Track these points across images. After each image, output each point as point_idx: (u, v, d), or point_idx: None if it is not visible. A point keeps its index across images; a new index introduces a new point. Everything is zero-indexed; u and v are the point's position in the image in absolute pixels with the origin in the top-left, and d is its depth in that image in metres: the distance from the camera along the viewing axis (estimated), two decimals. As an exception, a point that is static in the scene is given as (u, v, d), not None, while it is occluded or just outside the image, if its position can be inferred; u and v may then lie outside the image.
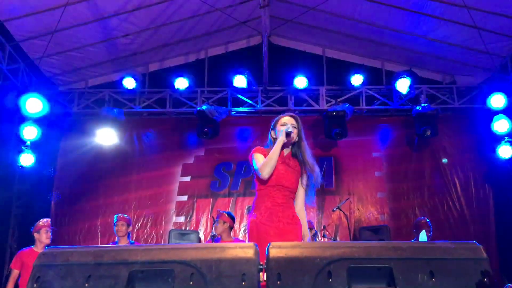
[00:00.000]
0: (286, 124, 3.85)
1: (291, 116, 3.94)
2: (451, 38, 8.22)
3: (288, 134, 3.72)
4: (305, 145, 3.89)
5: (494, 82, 8.55)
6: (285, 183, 3.73)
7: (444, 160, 8.84)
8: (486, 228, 8.48)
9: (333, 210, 7.93)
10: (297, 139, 3.85)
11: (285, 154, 3.85)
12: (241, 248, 2.21)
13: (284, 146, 3.77)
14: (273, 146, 3.76)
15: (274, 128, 3.93)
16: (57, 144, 8.96)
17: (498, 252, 8.25)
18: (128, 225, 6.46)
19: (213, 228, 6.59)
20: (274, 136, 3.88)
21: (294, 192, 3.80)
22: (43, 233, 6.02)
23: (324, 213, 8.57)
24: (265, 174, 3.64)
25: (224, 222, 6.49)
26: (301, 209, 3.82)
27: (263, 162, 3.67)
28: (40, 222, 6.10)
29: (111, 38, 8.30)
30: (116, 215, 6.61)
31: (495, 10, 7.35)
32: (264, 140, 8.84)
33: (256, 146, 3.94)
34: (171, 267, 2.09)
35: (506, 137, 8.15)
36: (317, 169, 3.85)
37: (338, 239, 8.21)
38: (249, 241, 3.70)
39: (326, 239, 7.61)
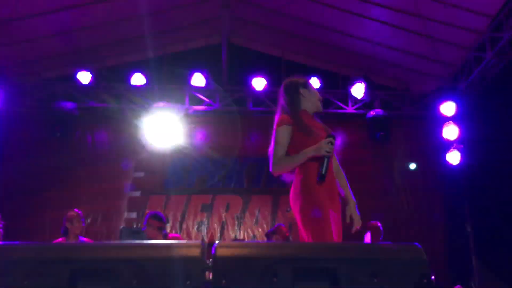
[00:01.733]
0: (318, 93, 3.51)
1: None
2: (406, 46, 8.45)
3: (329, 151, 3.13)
4: None
5: (445, 90, 8.83)
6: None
7: (412, 165, 9.02)
8: (434, 231, 8.73)
9: (287, 211, 7.99)
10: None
11: (317, 120, 3.48)
12: (187, 247, 2.21)
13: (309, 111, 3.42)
14: (300, 108, 3.38)
15: (306, 87, 3.47)
16: (8, 137, 8.69)
17: (445, 254, 8.52)
18: (81, 222, 6.28)
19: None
20: (305, 95, 3.42)
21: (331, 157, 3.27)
22: (75, 223, 5.98)
23: (278, 212, 8.64)
24: (275, 171, 3.23)
25: (150, 225, 6.32)
26: (339, 172, 3.46)
27: (284, 160, 3.20)
28: (72, 212, 6.08)
29: (66, 31, 8.13)
30: (69, 211, 6.38)
31: (448, 21, 7.60)
32: (222, 138, 8.96)
33: (279, 115, 3.38)
34: (115, 265, 2.06)
35: (454, 144, 8.43)
36: None
37: (291, 239, 8.29)
38: (299, 202, 3.15)
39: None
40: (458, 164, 8.45)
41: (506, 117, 7.67)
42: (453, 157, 8.43)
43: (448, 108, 8.48)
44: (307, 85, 3.48)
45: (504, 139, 7.67)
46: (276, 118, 3.39)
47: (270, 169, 3.24)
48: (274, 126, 3.34)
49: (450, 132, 8.47)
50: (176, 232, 8.33)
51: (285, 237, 6.97)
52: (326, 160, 3.09)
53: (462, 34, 7.81)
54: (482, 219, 8.36)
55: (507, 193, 7.64)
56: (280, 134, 3.25)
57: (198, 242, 2.20)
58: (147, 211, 7.58)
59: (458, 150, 8.43)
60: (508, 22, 7.15)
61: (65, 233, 6.07)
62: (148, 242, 2.43)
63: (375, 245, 2.28)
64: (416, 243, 2.28)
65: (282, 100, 3.46)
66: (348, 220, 3.24)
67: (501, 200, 7.69)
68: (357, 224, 3.29)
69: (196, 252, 2.15)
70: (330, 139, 3.14)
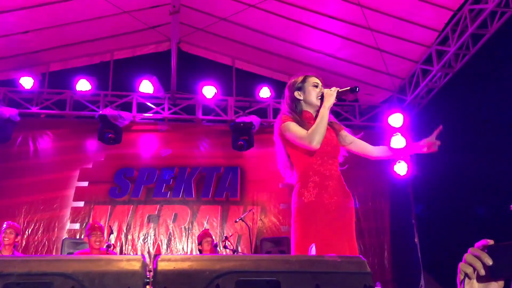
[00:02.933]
0: (318, 84, 3.34)
1: (316, 76, 3.41)
2: (356, 58, 8.55)
3: (338, 95, 3.19)
4: None
5: (393, 102, 9.01)
6: (327, 149, 3.19)
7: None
8: (382, 241, 8.83)
9: (236, 221, 7.90)
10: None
11: (315, 117, 3.29)
12: (127, 260, 2.08)
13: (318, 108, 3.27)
14: (300, 111, 3.30)
15: (300, 89, 3.33)
16: None
17: (392, 264, 8.61)
18: (17, 234, 6.01)
19: (109, 237, 6.34)
20: (301, 98, 3.31)
21: (337, 157, 3.28)
22: (3, 234, 5.76)
23: (227, 223, 8.53)
24: (316, 143, 3.03)
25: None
26: (373, 148, 3.62)
27: (312, 129, 3.07)
28: (4, 224, 5.86)
29: (9, 34, 7.81)
30: (5, 222, 6.13)
31: (396, 34, 7.75)
32: (170, 147, 8.80)
33: (281, 116, 3.34)
34: (50, 279, 1.91)
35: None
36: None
37: (239, 250, 8.19)
38: (298, 226, 3.08)
39: (227, 250, 7.55)
40: (405, 175, 8.59)
41: (451, 128, 7.85)
42: (400, 168, 8.56)
43: (395, 119, 8.63)
44: (303, 87, 3.33)
45: (450, 150, 7.84)
46: (278, 119, 3.35)
47: (310, 147, 3.07)
48: (278, 126, 3.28)
49: (398, 143, 8.59)
50: (120, 243, 8.08)
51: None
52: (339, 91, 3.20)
53: (410, 47, 8.00)
54: (429, 230, 8.52)
55: (452, 204, 7.81)
56: (290, 126, 3.18)
57: (139, 256, 2.07)
58: (91, 222, 7.30)
59: (405, 161, 8.57)
60: (454, 37, 7.35)
61: None
62: (87, 256, 2.28)
63: (319, 257, 2.21)
64: (361, 256, 2.24)
65: (284, 105, 3.42)
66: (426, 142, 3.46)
67: (446, 211, 7.85)
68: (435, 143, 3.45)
69: (137, 266, 2.03)
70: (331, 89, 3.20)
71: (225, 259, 2.14)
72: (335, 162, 3.23)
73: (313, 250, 3.03)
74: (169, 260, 2.05)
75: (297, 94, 3.33)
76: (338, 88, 3.20)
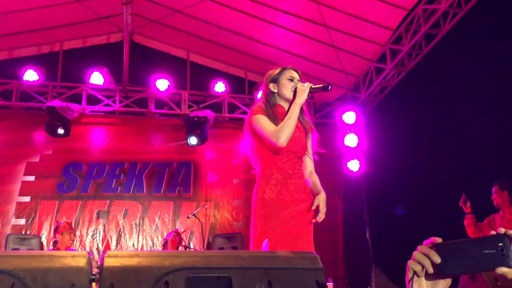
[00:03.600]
0: (293, 78, 3.24)
1: (293, 68, 3.32)
2: (311, 55, 8.55)
3: (310, 92, 3.12)
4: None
5: (348, 99, 9.09)
6: (295, 148, 3.13)
7: None
8: (334, 237, 8.89)
9: (188, 217, 7.79)
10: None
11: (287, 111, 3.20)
12: (72, 256, 1.96)
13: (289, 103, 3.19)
14: (274, 104, 3.21)
15: (275, 82, 3.25)
16: None
17: (344, 260, 8.69)
18: None
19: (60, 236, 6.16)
20: (275, 91, 3.23)
21: (302, 157, 3.23)
22: None
23: (179, 219, 8.39)
24: (283, 141, 2.98)
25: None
26: (311, 173, 3.33)
27: (281, 126, 3.00)
28: None
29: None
30: None
31: (352, 32, 7.80)
32: (121, 141, 8.59)
33: (254, 108, 3.25)
34: (-11, 277, 1.77)
35: (355, 152, 8.66)
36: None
37: (192, 246, 8.09)
38: (256, 222, 3.05)
39: (180, 247, 7.44)
40: (358, 171, 8.69)
41: (402, 126, 8.00)
42: (353, 165, 8.66)
43: (349, 117, 8.72)
44: (278, 79, 3.25)
45: (401, 147, 7.98)
46: (250, 110, 3.29)
47: (276, 144, 3.01)
48: (249, 117, 3.21)
49: (351, 140, 8.69)
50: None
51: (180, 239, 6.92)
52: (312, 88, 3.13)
53: (365, 45, 8.07)
54: (379, 225, 8.65)
55: (403, 200, 7.95)
56: (260, 119, 3.12)
57: (85, 252, 1.96)
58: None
59: (358, 157, 8.67)
60: (408, 36, 7.46)
61: None
62: (29, 252, 2.15)
63: (271, 253, 2.16)
64: (313, 251, 2.21)
65: (261, 95, 3.36)
66: (313, 207, 3.08)
67: (396, 206, 7.99)
68: (321, 216, 3.10)
69: (82, 262, 1.91)
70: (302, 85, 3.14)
71: (175, 255, 2.06)
72: (299, 161, 3.19)
73: (265, 246, 2.99)
74: (116, 256, 1.95)
75: (271, 86, 3.26)
76: (312, 84, 3.14)
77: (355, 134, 8.71)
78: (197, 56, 9.36)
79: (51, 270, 1.86)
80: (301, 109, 3.19)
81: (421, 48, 7.51)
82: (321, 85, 3.12)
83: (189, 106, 8.93)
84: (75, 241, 7.73)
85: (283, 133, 2.99)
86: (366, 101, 8.92)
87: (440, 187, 7.40)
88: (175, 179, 8.67)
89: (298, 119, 3.16)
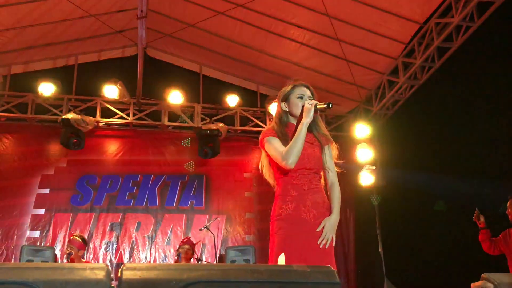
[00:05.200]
0: (303, 96, 3.20)
1: (305, 85, 3.27)
2: (323, 68, 8.58)
3: (316, 111, 3.07)
4: (319, 116, 3.27)
5: (360, 112, 9.08)
6: (308, 165, 3.10)
7: None
8: (347, 250, 8.87)
9: (201, 230, 7.81)
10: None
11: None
12: (91, 269, 2.00)
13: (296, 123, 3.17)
14: (285, 123, 3.20)
15: (286, 100, 3.23)
16: None
17: (356, 273, 8.65)
18: None
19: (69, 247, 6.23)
20: (286, 109, 3.22)
21: (319, 172, 3.19)
22: None
23: (192, 231, 8.42)
24: (291, 162, 2.99)
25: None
26: (332, 186, 3.21)
27: (288, 148, 3.01)
28: None
29: (-33, 34, 7.56)
30: None
31: (364, 46, 7.82)
32: (134, 154, 8.66)
33: (265, 129, 3.26)
34: (11, 289, 1.81)
35: (367, 165, 8.63)
36: (331, 138, 3.30)
37: (204, 259, 8.09)
38: (274, 239, 3.05)
39: (192, 259, 7.46)
40: (371, 184, 8.65)
41: (415, 139, 7.98)
42: (366, 178, 8.63)
43: (361, 130, 8.70)
44: (289, 97, 3.24)
45: (414, 161, 7.95)
46: (262, 131, 3.29)
47: (285, 166, 3.03)
48: (260, 139, 3.23)
49: (363, 153, 8.67)
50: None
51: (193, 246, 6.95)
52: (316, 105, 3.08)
53: (377, 58, 8.08)
54: (392, 238, 8.59)
55: (415, 214, 7.90)
56: (270, 141, 3.15)
57: (104, 264, 1.99)
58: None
59: (370, 171, 8.64)
60: (420, 49, 7.47)
61: None
62: (49, 264, 2.19)
63: (287, 267, 2.18)
64: (329, 266, 2.21)
65: (275, 114, 3.36)
66: (318, 229, 3.01)
67: (410, 220, 7.94)
68: (325, 238, 3.00)
69: (101, 275, 1.95)
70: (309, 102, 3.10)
71: (192, 268, 2.07)
72: (316, 177, 3.16)
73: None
74: (134, 269, 1.98)
75: (283, 105, 3.25)
76: (317, 102, 3.10)
77: (367, 147, 8.69)
78: (210, 69, 9.44)
79: (70, 282, 1.89)
80: (315, 123, 3.20)
81: (434, 62, 7.51)
82: (325, 103, 3.10)
83: (202, 119, 8.98)
84: (88, 253, 7.78)
85: (290, 155, 2.99)
86: (378, 114, 8.91)
87: (454, 201, 7.36)
88: (187, 192, 8.71)
89: (312, 133, 3.19)
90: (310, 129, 3.16)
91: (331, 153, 3.27)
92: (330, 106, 3.09)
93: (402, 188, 8.11)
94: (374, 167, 8.67)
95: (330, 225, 3.04)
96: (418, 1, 6.89)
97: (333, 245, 3.07)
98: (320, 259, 2.93)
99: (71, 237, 6.43)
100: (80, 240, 6.38)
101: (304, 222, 3.00)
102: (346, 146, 9.04)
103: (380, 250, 8.84)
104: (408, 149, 7.93)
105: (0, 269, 1.93)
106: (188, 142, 9.03)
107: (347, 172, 8.80)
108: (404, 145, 8.09)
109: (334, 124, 9.42)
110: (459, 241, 7.05)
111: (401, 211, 8.26)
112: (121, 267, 1.97)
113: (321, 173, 3.23)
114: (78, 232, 6.61)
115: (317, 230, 3.00)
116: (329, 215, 3.09)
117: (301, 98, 3.19)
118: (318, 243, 2.98)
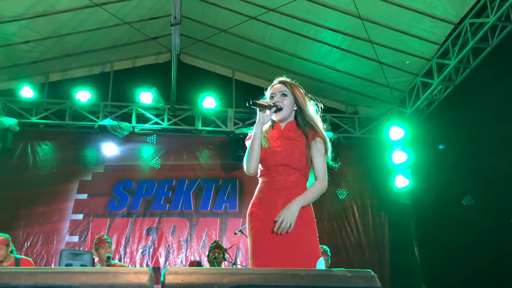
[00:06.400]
0: (274, 94, 3.08)
1: (280, 81, 3.16)
2: (355, 70, 8.54)
3: (262, 110, 2.94)
4: (307, 110, 3.06)
5: (394, 114, 9.00)
6: (284, 161, 2.93)
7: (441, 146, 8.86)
8: (381, 254, 8.79)
9: (235, 233, 7.83)
10: (294, 107, 3.07)
11: (282, 127, 3.06)
12: (135, 273, 2.05)
13: (281, 119, 3.05)
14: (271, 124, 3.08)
15: (261, 97, 3.16)
16: None
17: (391, 278, 8.55)
18: (7, 245, 5.78)
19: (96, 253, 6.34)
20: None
21: (302, 170, 2.96)
22: None
23: (226, 235, 8.48)
24: (248, 169, 2.93)
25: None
26: (317, 180, 2.99)
27: (246, 154, 2.96)
28: None
29: (9, 44, 7.82)
30: None
31: (396, 47, 7.75)
32: (169, 159, 8.78)
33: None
34: (58, 292, 1.87)
35: (402, 167, 8.54)
36: (322, 134, 3.02)
37: (238, 263, 8.14)
38: (248, 236, 2.98)
39: (227, 263, 7.51)
40: (405, 187, 8.55)
41: (450, 141, 7.86)
42: (401, 181, 8.53)
43: (395, 132, 8.61)
44: (268, 98, 3.13)
45: (449, 163, 7.83)
46: None
47: (248, 173, 2.96)
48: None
49: (398, 155, 8.58)
50: (119, 256, 8.03)
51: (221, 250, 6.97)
52: (269, 106, 2.95)
53: (410, 59, 7.98)
54: (428, 242, 8.47)
55: (451, 217, 7.78)
56: (246, 143, 3.07)
57: (147, 268, 2.04)
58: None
59: (405, 173, 8.54)
60: (455, 50, 7.35)
61: None
62: (95, 268, 2.25)
63: (329, 271, 2.18)
64: (370, 270, 2.21)
65: None
66: (277, 218, 2.79)
67: (447, 224, 7.82)
68: (279, 227, 2.78)
69: (144, 279, 2.00)
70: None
71: (234, 273, 2.10)
72: (293, 173, 2.94)
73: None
74: (176, 273, 2.02)
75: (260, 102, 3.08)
76: (258, 101, 2.98)
77: (401, 149, 8.59)
78: (242, 74, 9.53)
79: (115, 286, 1.95)
80: (303, 117, 3.04)
81: (469, 62, 7.38)
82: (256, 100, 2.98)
83: (235, 124, 9.05)
84: (125, 257, 7.92)
85: (244, 162, 2.97)
86: (412, 116, 8.79)
87: (492, 204, 7.22)
88: (221, 196, 8.77)
89: (300, 128, 3.02)
90: (298, 125, 3.04)
91: (318, 147, 2.99)
92: (247, 103, 2.94)
93: (438, 190, 8.00)
94: (409, 170, 8.56)
95: (287, 212, 2.80)
96: (452, 1, 6.79)
97: (304, 241, 2.89)
98: (294, 261, 2.78)
99: (104, 238, 6.43)
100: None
101: (270, 221, 2.84)
102: (379, 148, 8.99)
103: (416, 253, 8.73)
104: (444, 151, 7.82)
105: (47, 273, 2.00)
106: (221, 146, 9.11)
107: (381, 175, 8.80)
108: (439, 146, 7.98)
109: (367, 127, 9.35)
110: (499, 245, 6.90)
111: (437, 214, 8.15)
112: (164, 271, 2.02)
113: (306, 169, 3.00)
114: (102, 235, 6.65)
115: (274, 219, 2.80)
116: (304, 215, 2.91)
117: (272, 98, 3.09)
118: (274, 230, 2.78)
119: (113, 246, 7.86)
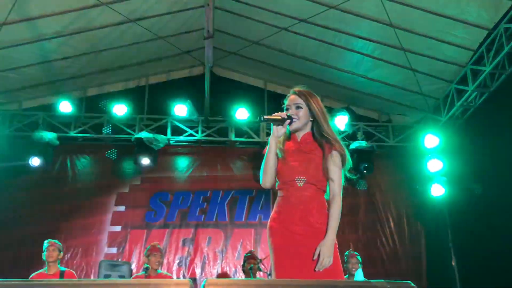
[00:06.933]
0: (290, 106, 3.03)
1: (295, 92, 3.09)
2: (388, 78, 8.49)
3: (276, 125, 2.93)
4: (322, 121, 3.00)
5: (428, 122, 8.89)
6: (300, 175, 2.90)
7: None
8: (418, 265, 8.67)
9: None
10: (310, 118, 3.02)
11: (299, 138, 3.03)
12: (176, 285, 2.12)
13: (296, 130, 3.02)
14: (287, 135, 3.05)
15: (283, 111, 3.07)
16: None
17: (430, 288, 8.43)
18: (60, 251, 6.10)
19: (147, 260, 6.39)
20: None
21: (318, 183, 2.92)
22: (46, 252, 5.91)
23: (260, 246, 8.50)
24: (264, 183, 2.98)
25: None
26: (332, 200, 2.92)
27: (261, 168, 2.99)
28: (46, 242, 6.01)
29: (48, 61, 8.08)
30: (46, 240, 6.18)
31: (429, 54, 7.69)
32: (203, 170, 8.87)
33: None
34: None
35: (438, 176, 8.42)
36: (339, 146, 2.96)
37: (273, 274, 8.12)
38: (270, 249, 2.97)
39: (262, 273, 7.52)
40: (441, 196, 8.42)
41: (487, 149, 7.71)
42: (437, 189, 8.41)
43: (430, 140, 8.50)
44: (284, 109, 3.08)
45: (486, 171, 7.68)
46: None
47: (264, 187, 3.03)
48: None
49: (433, 164, 8.46)
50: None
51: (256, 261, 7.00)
52: (281, 119, 2.92)
53: (444, 67, 7.90)
54: (466, 252, 8.30)
55: (489, 226, 7.61)
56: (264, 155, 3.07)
57: (187, 280, 2.11)
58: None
59: (441, 182, 8.41)
60: (489, 56, 7.24)
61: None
62: (137, 280, 2.33)
63: (368, 282, 2.19)
64: (409, 281, 2.20)
65: None
66: (315, 257, 2.77)
67: (485, 233, 7.65)
68: (321, 265, 2.75)
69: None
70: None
71: (272, 284, 2.14)
72: (309, 188, 2.92)
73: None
74: (216, 284, 2.07)
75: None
76: (269, 116, 2.95)
77: (437, 157, 8.47)
78: (274, 85, 9.58)
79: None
80: (319, 130, 3.01)
81: (505, 68, 7.24)
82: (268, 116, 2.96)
83: (267, 134, 9.08)
84: (162, 269, 8.01)
85: (260, 176, 3.00)
86: (447, 124, 8.67)
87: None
88: (255, 207, 8.82)
89: (316, 141, 2.99)
90: (314, 138, 3.02)
91: (334, 161, 2.95)
92: (259, 119, 2.96)
93: (475, 199, 7.85)
94: (444, 178, 8.43)
95: (326, 250, 2.77)
96: (486, 7, 6.70)
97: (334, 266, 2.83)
98: (318, 276, 2.76)
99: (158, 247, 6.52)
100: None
101: (291, 236, 2.85)
102: (414, 157, 8.88)
103: (453, 264, 8.57)
104: (481, 159, 7.67)
105: (91, 285, 2.08)
106: (254, 157, 9.17)
107: (416, 184, 8.68)
108: (476, 154, 7.83)
109: (401, 135, 9.26)
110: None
111: (474, 223, 7.98)
112: (204, 282, 2.06)
113: (323, 183, 2.96)
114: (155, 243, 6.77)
115: (313, 258, 2.77)
116: (322, 228, 2.86)
117: (288, 109, 3.05)
118: (316, 270, 2.75)
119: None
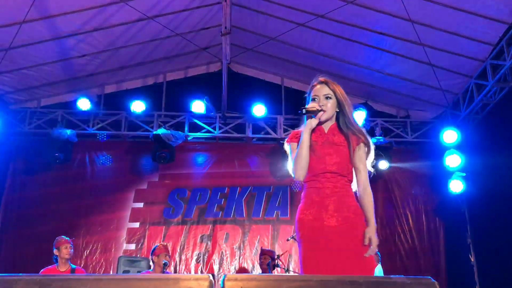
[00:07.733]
0: (317, 97, 3.01)
1: (323, 82, 3.07)
2: (406, 73, 8.43)
3: (313, 116, 2.93)
4: (348, 111, 3.01)
5: (447, 117, 8.81)
6: (332, 168, 2.91)
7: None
8: (437, 261, 8.60)
9: (288, 240, 7.85)
10: (337, 108, 3.03)
11: (326, 130, 3.03)
12: (195, 279, 2.12)
13: (324, 121, 3.00)
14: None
15: (307, 102, 3.08)
16: (6, 164, 8.63)
17: (447, 286, 8.35)
18: (72, 248, 6.12)
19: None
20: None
21: (348, 175, 2.96)
22: (63, 249, 5.90)
23: (278, 242, 8.51)
24: (298, 176, 2.91)
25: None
26: (363, 191, 2.96)
27: (294, 161, 2.92)
28: (59, 239, 6.01)
29: (67, 58, 8.15)
30: (60, 237, 6.18)
31: (448, 49, 7.61)
32: (221, 167, 8.91)
33: (294, 131, 3.15)
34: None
35: (457, 172, 8.33)
36: (365, 138, 3.00)
37: (291, 269, 8.15)
38: (298, 243, 2.95)
39: (279, 269, 7.54)
40: (461, 192, 8.34)
41: (508, 144, 7.61)
42: (456, 185, 8.33)
43: (449, 135, 8.42)
44: (308, 99, 3.09)
45: (506, 167, 7.59)
46: None
47: (297, 180, 2.97)
48: (286, 141, 3.16)
49: (452, 160, 8.38)
50: (174, 263, 8.18)
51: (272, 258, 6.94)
52: (316, 110, 2.94)
53: (463, 61, 7.81)
54: (485, 248, 8.23)
55: (509, 222, 7.53)
56: (287, 149, 3.09)
57: (207, 275, 2.12)
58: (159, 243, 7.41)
59: (461, 178, 8.33)
60: (510, 50, 7.14)
61: (56, 260, 5.96)
62: (156, 275, 2.34)
63: (388, 278, 2.18)
64: (430, 277, 2.18)
65: None
66: (366, 242, 2.80)
67: (504, 229, 7.57)
68: (372, 251, 2.83)
69: (204, 285, 2.07)
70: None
71: (291, 279, 2.14)
72: (341, 180, 2.94)
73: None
74: (235, 279, 2.09)
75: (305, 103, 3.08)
76: (305, 108, 2.97)
77: (456, 153, 8.38)
78: (291, 81, 9.57)
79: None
80: (345, 122, 3.00)
81: (525, 63, 7.15)
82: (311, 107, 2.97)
83: (285, 130, 9.08)
84: (180, 265, 8.07)
85: (294, 169, 2.93)
86: (467, 119, 8.58)
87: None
88: (272, 203, 8.82)
89: (342, 133, 3.00)
90: (340, 128, 3.01)
91: (361, 153, 2.98)
92: (300, 111, 2.96)
93: (494, 195, 7.76)
94: (464, 174, 8.34)
95: (375, 238, 2.83)
96: (505, 0, 6.60)
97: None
98: (351, 270, 2.74)
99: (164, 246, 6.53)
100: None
101: (325, 227, 2.84)
102: (433, 152, 8.81)
103: (472, 260, 8.50)
104: (501, 154, 7.58)
105: (111, 280, 2.10)
106: (272, 153, 9.17)
107: (435, 179, 8.61)
108: (495, 150, 7.73)
109: (420, 131, 9.19)
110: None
111: (493, 219, 7.90)
112: (223, 277, 2.08)
113: (351, 175, 3.01)
114: (162, 243, 6.79)
115: (365, 243, 2.80)
116: (356, 219, 2.88)
117: (314, 100, 3.03)
118: (366, 255, 2.79)
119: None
